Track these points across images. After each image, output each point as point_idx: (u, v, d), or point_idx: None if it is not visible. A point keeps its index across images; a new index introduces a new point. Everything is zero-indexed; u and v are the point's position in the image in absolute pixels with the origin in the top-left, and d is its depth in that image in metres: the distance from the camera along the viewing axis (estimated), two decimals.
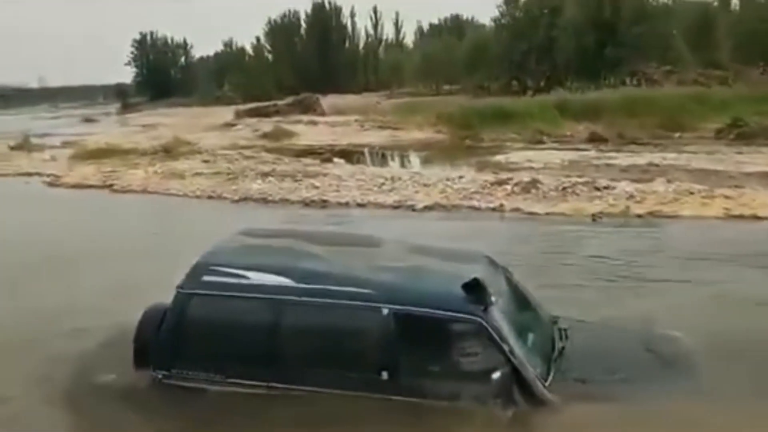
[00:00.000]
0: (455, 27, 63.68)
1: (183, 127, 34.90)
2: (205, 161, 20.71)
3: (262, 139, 28.89)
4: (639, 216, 12.53)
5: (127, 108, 57.50)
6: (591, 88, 37.37)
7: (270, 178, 17.55)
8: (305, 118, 35.48)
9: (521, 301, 6.05)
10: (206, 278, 5.77)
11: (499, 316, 5.38)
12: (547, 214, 13.24)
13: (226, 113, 41.59)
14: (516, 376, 5.21)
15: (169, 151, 23.44)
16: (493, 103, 31.45)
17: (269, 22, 63.22)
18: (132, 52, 67.43)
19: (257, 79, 56.66)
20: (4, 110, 59.96)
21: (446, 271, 5.87)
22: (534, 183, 14.79)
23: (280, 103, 42.87)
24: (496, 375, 5.20)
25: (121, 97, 63.63)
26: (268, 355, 5.53)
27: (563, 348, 5.76)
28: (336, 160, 19.58)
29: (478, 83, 47.07)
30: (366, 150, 24.35)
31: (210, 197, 16.61)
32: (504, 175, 16.04)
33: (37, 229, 12.61)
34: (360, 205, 14.94)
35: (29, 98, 72.73)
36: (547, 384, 5.30)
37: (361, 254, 6.34)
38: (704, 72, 39.00)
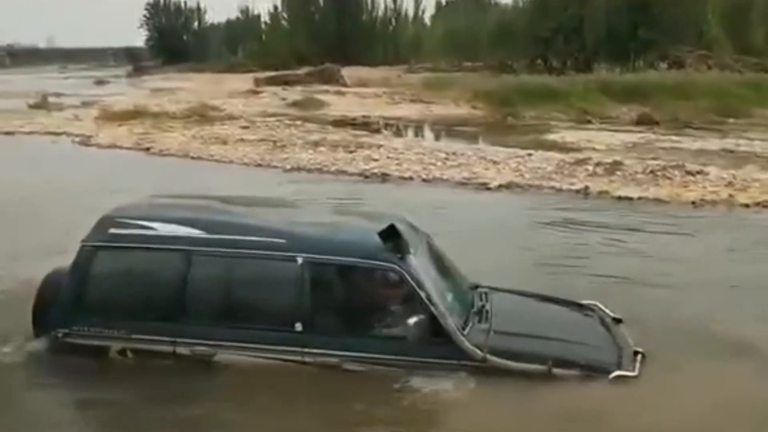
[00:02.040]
0: (474, 3, 61.96)
1: (204, 92, 33.64)
2: (244, 127, 19.59)
3: (292, 107, 27.66)
4: (746, 206, 11.44)
5: (138, 71, 55.90)
6: (624, 69, 36.33)
7: (321, 148, 16.42)
8: (331, 88, 34.18)
9: (441, 265, 5.84)
10: (113, 231, 5.52)
11: (416, 265, 5.24)
12: (640, 198, 12.15)
13: (242, 80, 40.28)
14: (434, 324, 5.06)
15: (202, 116, 22.25)
16: (533, 81, 30.23)
17: None
18: (145, 15, 65.82)
19: (273, 47, 55.11)
20: (13, 69, 58.49)
21: (363, 225, 5.70)
22: (617, 164, 13.70)
23: (300, 72, 41.54)
24: (413, 323, 5.01)
25: (133, 60, 62.04)
26: (176, 310, 5.30)
27: (482, 307, 5.62)
28: (384, 131, 18.43)
29: (501, 61, 45.76)
30: (411, 124, 23.15)
31: (259, 165, 15.51)
32: (580, 155, 14.95)
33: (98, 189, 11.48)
34: (425, 180, 13.86)
35: (37, 58, 71.07)
36: (465, 333, 5.15)
37: (277, 211, 6.17)
38: (740, 58, 37.86)
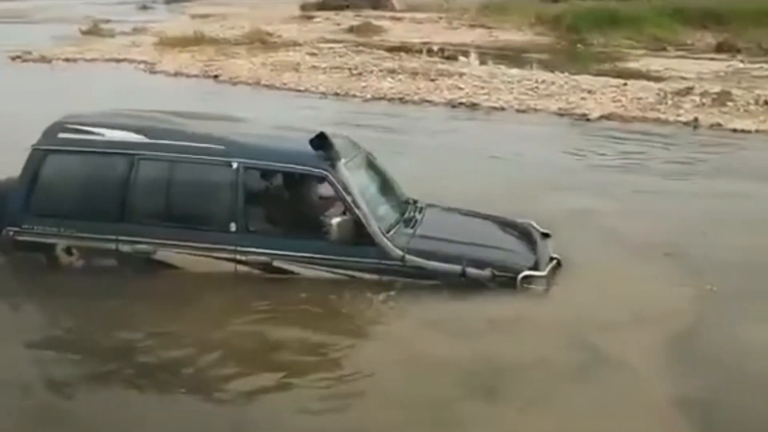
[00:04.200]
0: None
1: (254, 18, 32.61)
2: (312, 54, 18.79)
3: (349, 33, 26.70)
4: None
5: None
6: None
7: (399, 76, 15.66)
8: (384, 13, 33.01)
9: (377, 178, 6.22)
10: (62, 135, 5.88)
11: (344, 172, 5.53)
12: (758, 131, 11.37)
13: (286, 6, 39.00)
14: (358, 226, 5.44)
15: (263, 42, 21.49)
16: (599, 5, 28.72)
17: None
18: None
19: None
20: None
21: (298, 136, 5.90)
22: (725, 94, 12.84)
23: None
24: (339, 224, 5.39)
25: None
26: (119, 210, 5.67)
27: (413, 216, 5.97)
28: (461, 58, 17.55)
29: None
30: (476, 51, 22.12)
31: (336, 94, 14.83)
32: (677, 85, 14.04)
33: None
34: (519, 111, 13.17)
35: None
36: (388, 236, 5.52)
37: (221, 123, 6.43)
38: None
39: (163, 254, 5.63)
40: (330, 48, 19.78)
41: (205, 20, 33.89)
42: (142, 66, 18.64)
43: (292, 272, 5.54)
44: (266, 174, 5.86)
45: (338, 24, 29.01)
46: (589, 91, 13.81)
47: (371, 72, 16.06)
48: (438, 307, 5.32)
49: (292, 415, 4.22)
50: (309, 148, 5.54)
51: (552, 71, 16.08)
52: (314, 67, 16.81)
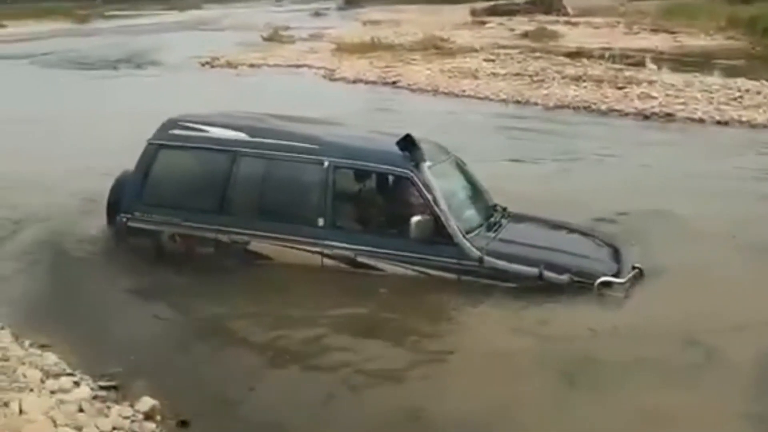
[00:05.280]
0: None
1: (425, 24, 32.69)
2: (489, 60, 18.42)
3: (523, 38, 26.07)
4: None
5: (350, 3, 56.25)
6: None
7: (584, 84, 14.95)
8: (558, 18, 32.06)
9: (465, 183, 6.36)
10: (173, 132, 6.29)
11: (428, 174, 5.71)
12: None
13: (457, 11, 38.88)
14: (439, 226, 5.60)
15: (438, 48, 21.37)
16: None
17: None
18: None
19: None
20: (232, 4, 60.83)
21: (388, 139, 6.01)
22: None
23: (518, 1, 39.50)
24: (420, 223, 5.56)
25: None
26: (219, 203, 6.06)
27: (497, 221, 6.07)
28: (649, 65, 16.52)
29: None
30: (661, 57, 20.84)
31: (517, 102, 14.39)
32: None
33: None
34: (720, 123, 12.14)
35: None
36: (468, 237, 5.63)
37: (319, 126, 6.69)
38: None
39: (256, 245, 5.93)
40: (507, 54, 19.32)
41: (377, 26, 34.43)
42: (322, 72, 19.02)
43: (374, 267, 5.75)
44: (354, 173, 6.09)
45: (512, 29, 28.44)
46: None
47: (553, 79, 15.46)
48: (516, 309, 5.36)
49: (369, 395, 4.40)
50: (395, 149, 5.76)
51: (756, 79, 14.76)
52: (493, 73, 16.43)
